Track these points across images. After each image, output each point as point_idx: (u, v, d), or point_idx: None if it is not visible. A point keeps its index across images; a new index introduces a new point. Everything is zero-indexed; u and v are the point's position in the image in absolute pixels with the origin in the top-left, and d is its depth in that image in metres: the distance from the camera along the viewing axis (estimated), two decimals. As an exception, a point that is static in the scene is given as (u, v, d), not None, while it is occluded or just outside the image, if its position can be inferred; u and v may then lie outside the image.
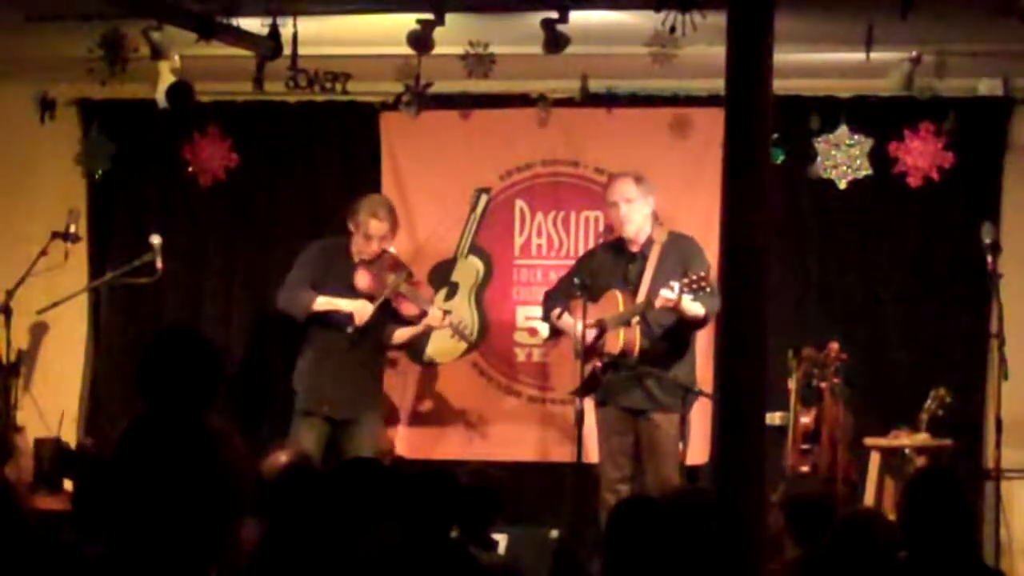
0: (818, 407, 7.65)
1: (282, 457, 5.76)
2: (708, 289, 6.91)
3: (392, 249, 7.68)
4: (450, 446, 8.19)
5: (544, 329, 7.92)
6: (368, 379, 7.74)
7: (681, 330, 7.21)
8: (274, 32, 6.85)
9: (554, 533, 7.25)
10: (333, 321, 7.55)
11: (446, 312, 7.77)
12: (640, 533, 4.25)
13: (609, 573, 4.31)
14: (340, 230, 7.73)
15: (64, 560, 4.53)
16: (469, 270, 8.37)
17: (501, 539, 5.68)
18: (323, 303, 7.54)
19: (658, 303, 7.00)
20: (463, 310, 8.33)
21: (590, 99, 8.13)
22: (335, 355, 7.57)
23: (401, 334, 7.79)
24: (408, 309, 7.73)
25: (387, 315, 7.67)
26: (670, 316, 7.12)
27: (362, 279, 7.58)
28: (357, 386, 7.64)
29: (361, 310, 7.52)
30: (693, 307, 7.00)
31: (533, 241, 8.34)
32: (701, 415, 7.51)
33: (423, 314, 7.69)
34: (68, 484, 8.03)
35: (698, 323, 7.14)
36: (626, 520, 4.34)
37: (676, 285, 6.92)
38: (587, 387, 7.22)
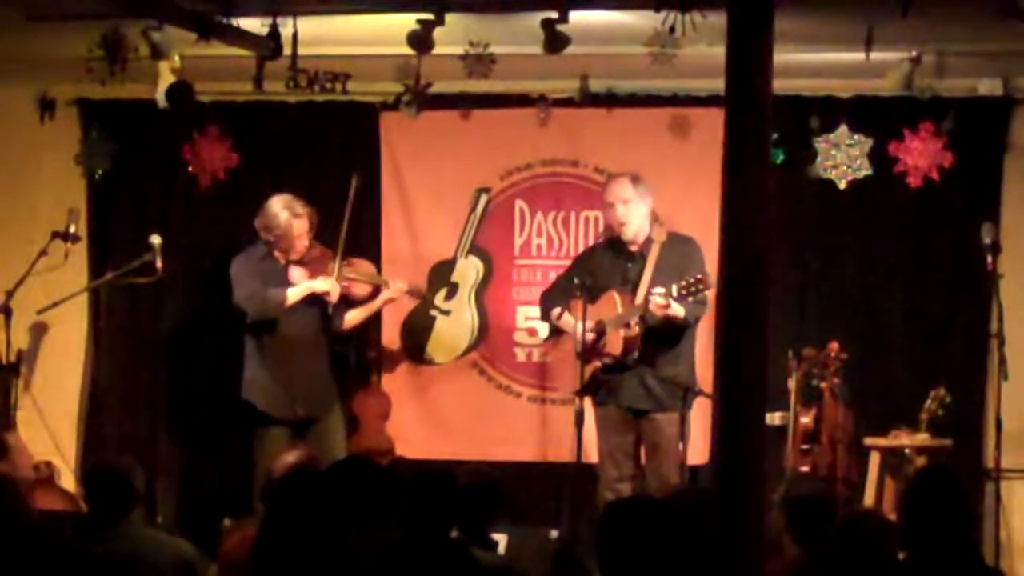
0: (818, 407, 7.65)
1: (289, 458, 5.78)
2: (701, 295, 6.94)
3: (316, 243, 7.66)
4: (450, 446, 8.18)
5: (544, 329, 7.93)
6: (326, 374, 7.72)
7: (675, 330, 7.21)
8: (274, 32, 6.84)
9: (554, 533, 7.25)
10: (288, 322, 7.49)
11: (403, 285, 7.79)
12: (631, 535, 4.23)
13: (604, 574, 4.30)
14: (252, 239, 7.71)
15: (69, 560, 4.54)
16: (469, 270, 8.38)
17: (501, 539, 5.67)
18: (295, 293, 7.51)
19: (651, 309, 7.02)
20: (463, 310, 8.33)
21: (590, 99, 8.13)
22: (291, 357, 7.54)
23: (354, 316, 7.77)
24: (358, 290, 7.71)
25: (335, 303, 7.63)
26: (660, 317, 7.14)
27: (299, 276, 7.57)
28: (318, 383, 7.64)
29: (333, 287, 7.52)
30: (675, 309, 7.02)
31: (533, 241, 8.34)
32: (701, 415, 7.51)
33: (376, 291, 7.67)
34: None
35: (677, 324, 7.16)
36: (617, 522, 4.33)
37: (662, 290, 6.94)
38: (589, 387, 7.23)
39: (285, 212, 7.53)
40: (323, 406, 7.62)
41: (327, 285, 7.53)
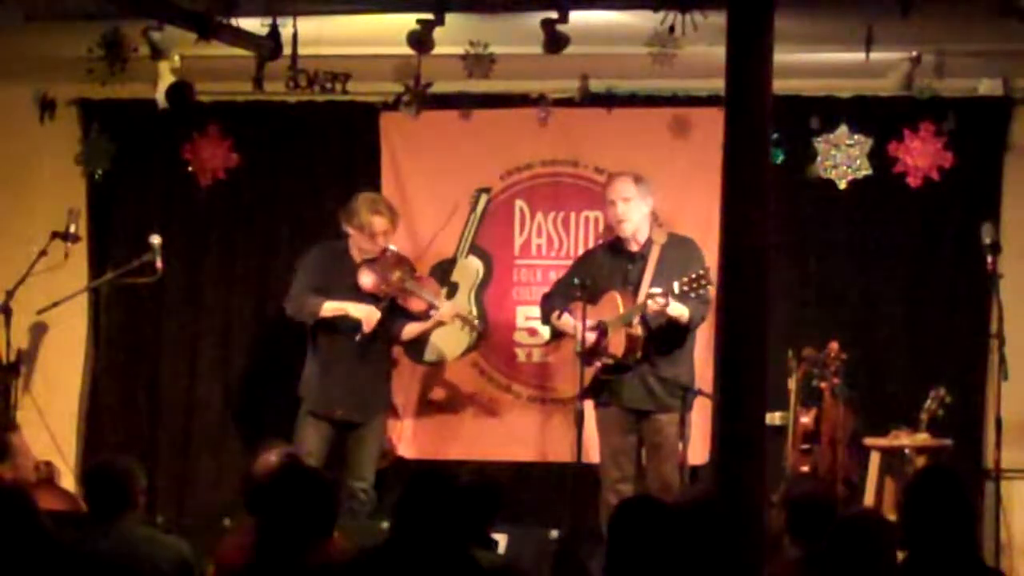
0: (818, 407, 7.65)
1: (272, 457, 5.76)
2: (703, 292, 6.94)
3: (393, 246, 7.67)
4: (450, 446, 8.19)
5: (545, 331, 7.92)
6: (379, 381, 7.71)
7: (676, 330, 7.21)
8: (274, 32, 6.85)
9: (554, 533, 7.25)
10: (341, 326, 7.52)
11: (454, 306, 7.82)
12: (642, 533, 4.24)
13: (611, 573, 4.31)
14: (335, 234, 7.71)
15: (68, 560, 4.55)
16: (469, 270, 8.37)
17: (501, 539, 5.67)
18: (331, 308, 7.50)
19: (649, 311, 7.01)
20: (463, 310, 8.32)
21: (590, 99, 8.13)
22: (345, 359, 7.53)
23: (411, 330, 7.76)
24: (415, 305, 7.72)
25: (395, 312, 7.65)
26: (661, 317, 7.14)
27: (366, 278, 7.56)
28: (369, 389, 7.62)
29: (369, 316, 7.49)
30: (677, 309, 7.02)
31: (533, 241, 8.34)
32: (701, 415, 7.51)
33: (430, 308, 7.68)
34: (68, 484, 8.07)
35: (682, 325, 7.15)
36: (628, 520, 4.33)
37: (660, 290, 6.94)
38: (590, 390, 7.23)
39: (368, 207, 7.53)
40: (365, 412, 7.59)
41: (360, 313, 7.50)
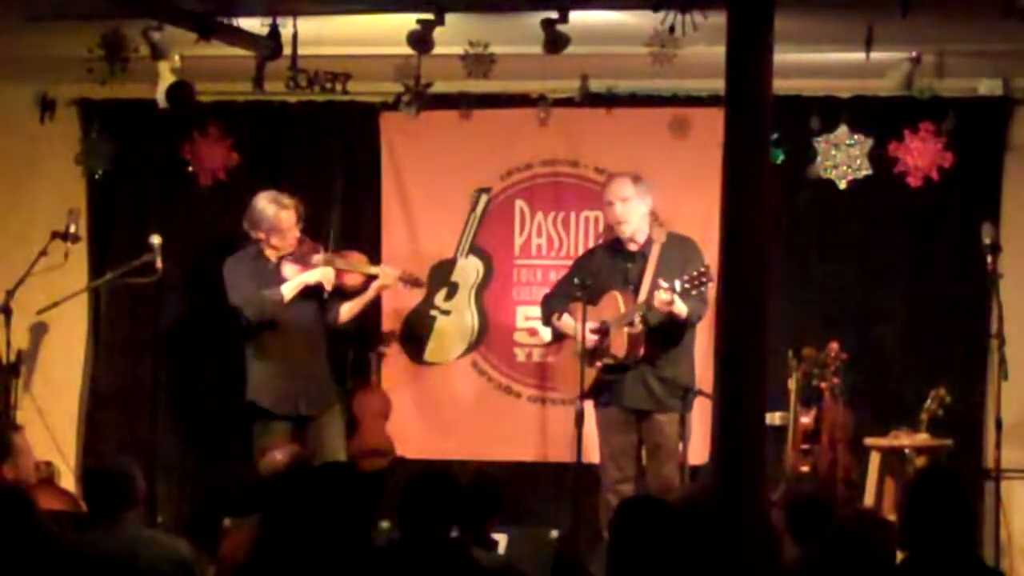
0: (818, 407, 7.66)
1: (278, 455, 5.78)
2: (703, 289, 6.95)
3: (307, 237, 7.67)
4: (450, 446, 8.19)
5: (546, 333, 7.92)
6: (325, 372, 7.73)
7: (676, 329, 7.22)
8: (274, 32, 6.85)
9: (554, 533, 7.25)
10: (287, 322, 7.50)
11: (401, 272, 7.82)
12: (643, 533, 4.25)
13: (612, 573, 4.31)
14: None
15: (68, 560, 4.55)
16: (469, 270, 8.38)
17: (501, 539, 5.68)
18: (291, 288, 7.52)
19: (656, 304, 7.01)
20: (463, 310, 8.33)
21: (590, 99, 8.13)
22: (294, 355, 7.55)
23: (349, 308, 7.75)
24: (351, 281, 7.72)
25: (329, 296, 7.65)
26: (663, 315, 7.13)
27: (291, 271, 7.58)
28: (318, 381, 7.65)
29: (326, 275, 7.54)
30: (678, 306, 7.03)
31: (533, 241, 8.34)
32: (701, 415, 7.51)
33: (369, 279, 7.68)
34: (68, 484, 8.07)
35: (680, 322, 7.16)
36: (629, 520, 4.34)
37: (666, 285, 6.94)
38: (591, 388, 7.23)
39: (272, 205, 7.55)
40: (323, 403, 7.63)
41: (318, 275, 7.53)
